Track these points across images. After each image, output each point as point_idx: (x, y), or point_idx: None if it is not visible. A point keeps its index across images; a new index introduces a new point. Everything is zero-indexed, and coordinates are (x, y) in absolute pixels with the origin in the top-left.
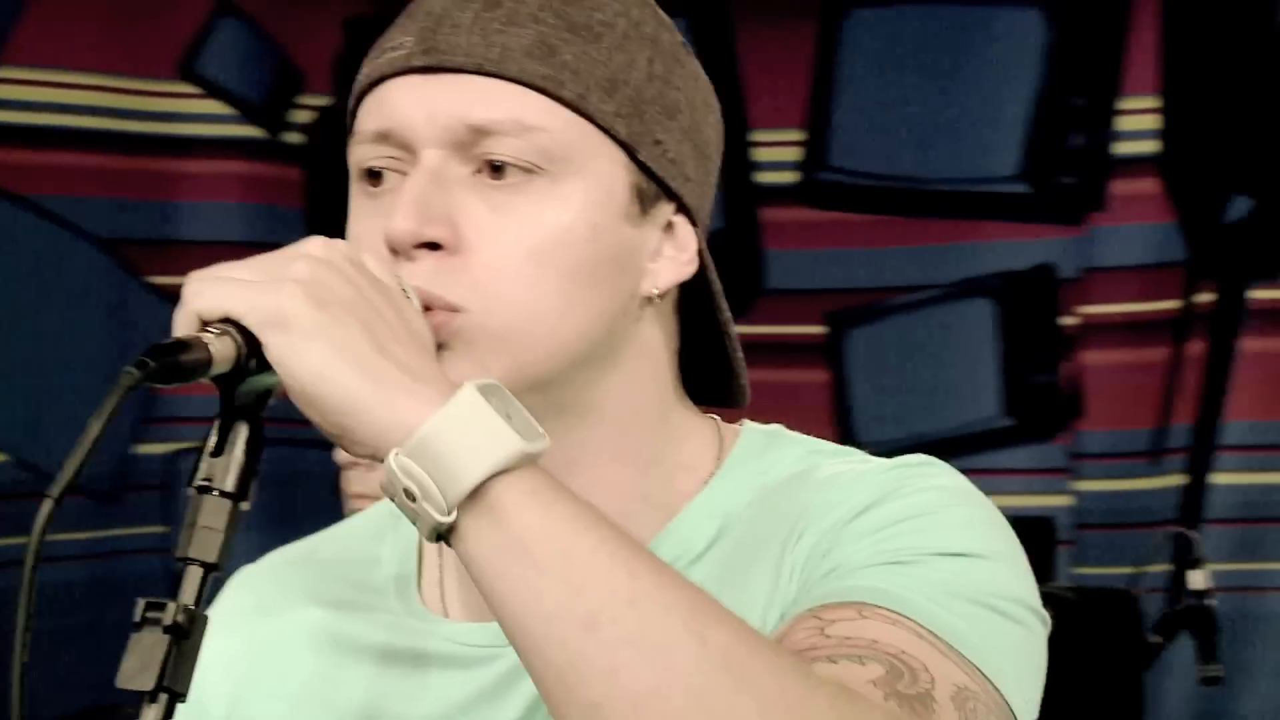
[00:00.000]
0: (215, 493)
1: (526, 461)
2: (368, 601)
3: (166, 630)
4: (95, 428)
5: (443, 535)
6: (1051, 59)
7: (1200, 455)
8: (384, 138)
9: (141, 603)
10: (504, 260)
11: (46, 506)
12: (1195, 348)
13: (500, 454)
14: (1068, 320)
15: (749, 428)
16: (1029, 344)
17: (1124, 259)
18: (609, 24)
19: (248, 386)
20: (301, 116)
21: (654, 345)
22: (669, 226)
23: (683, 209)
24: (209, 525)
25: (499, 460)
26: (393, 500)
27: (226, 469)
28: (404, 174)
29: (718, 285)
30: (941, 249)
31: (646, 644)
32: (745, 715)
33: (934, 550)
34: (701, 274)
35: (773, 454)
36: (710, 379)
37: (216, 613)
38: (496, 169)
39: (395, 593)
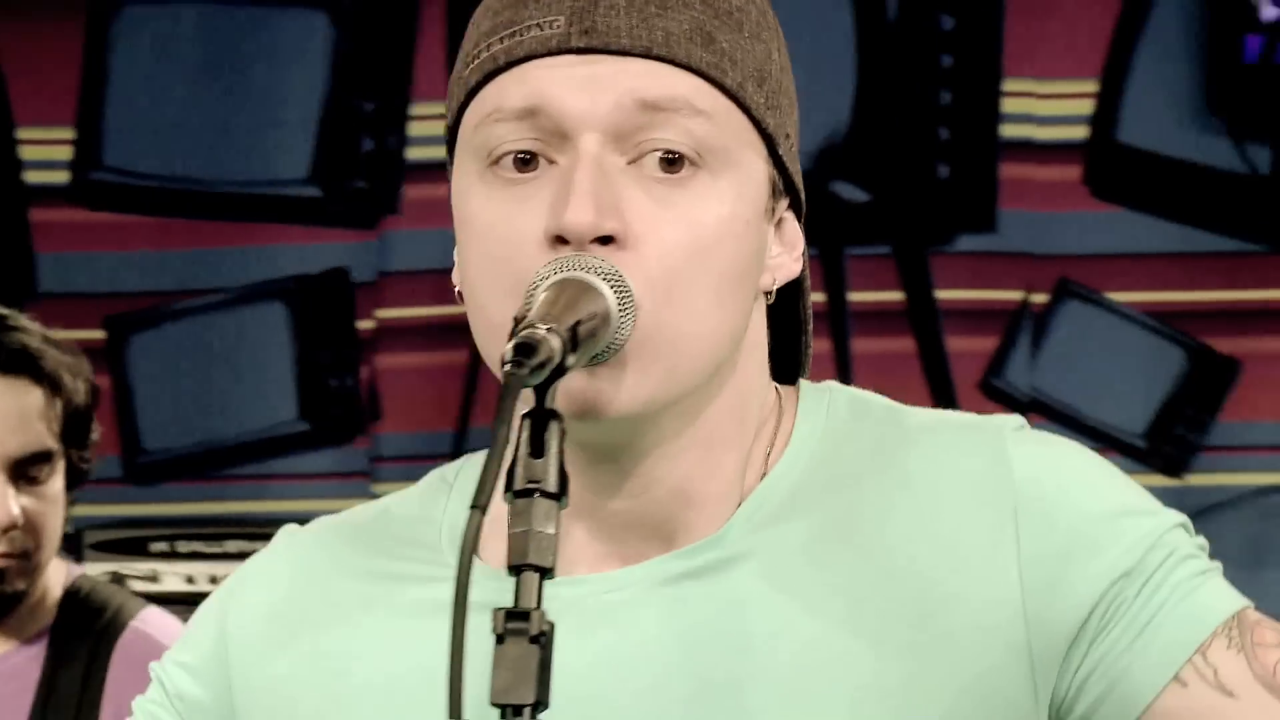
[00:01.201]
0: (539, 494)
1: None
2: (426, 560)
3: (533, 640)
4: (502, 431)
5: None
6: (339, 62)
7: None
8: (530, 116)
9: (501, 613)
10: (670, 257)
11: (475, 518)
12: None
13: None
14: (364, 324)
15: (806, 387)
16: (324, 347)
17: (419, 263)
18: (744, 10)
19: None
20: None
21: (758, 336)
22: (780, 222)
23: (794, 204)
24: (541, 529)
25: None
26: None
27: (546, 469)
28: (549, 161)
29: (808, 279)
30: (231, 252)
31: None
32: None
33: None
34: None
35: (835, 409)
36: (781, 361)
37: (276, 564)
38: (669, 160)
39: (452, 552)
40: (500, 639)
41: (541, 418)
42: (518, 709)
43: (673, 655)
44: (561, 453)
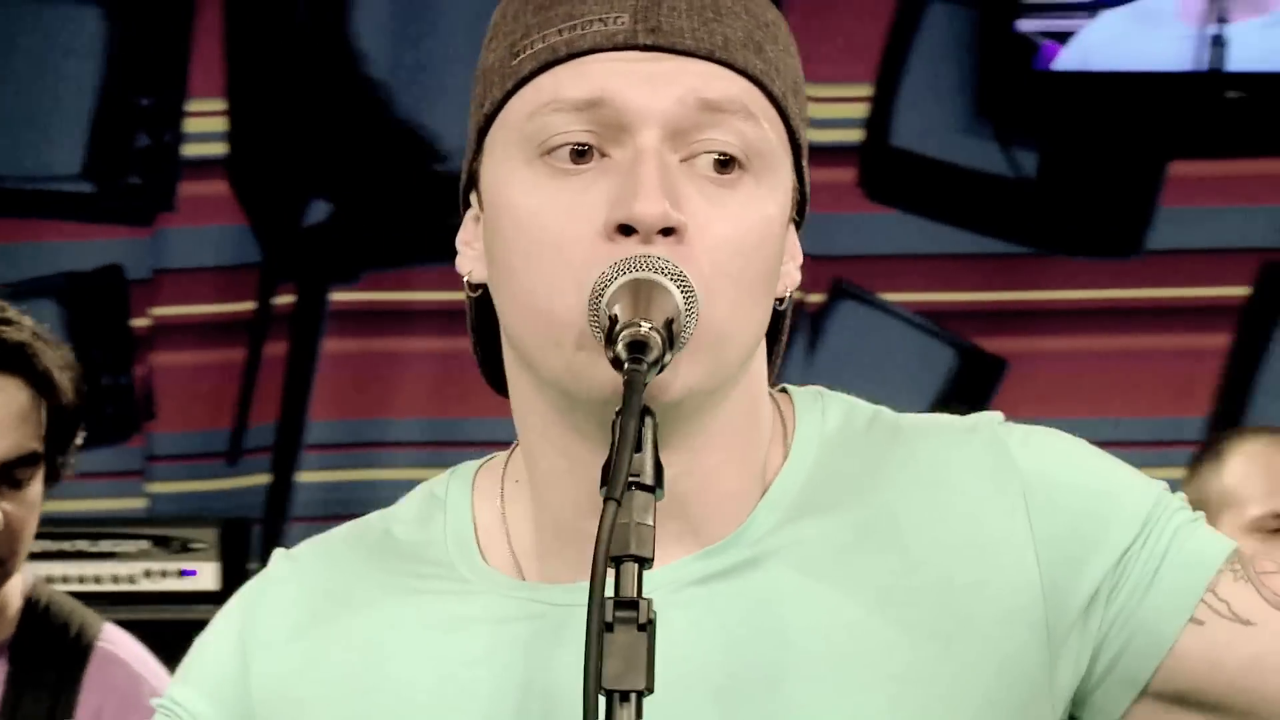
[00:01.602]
0: (637, 488)
1: None
2: (441, 577)
3: (641, 628)
4: (631, 425)
5: None
6: (114, 57)
7: (284, 454)
8: (591, 108)
9: (610, 602)
10: (719, 254)
11: (610, 510)
12: (276, 348)
13: None
14: (138, 322)
15: (795, 391)
16: (98, 346)
17: (195, 260)
18: (777, 24)
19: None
20: None
21: (762, 336)
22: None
23: (798, 215)
24: (642, 520)
25: None
26: None
27: (643, 463)
28: (604, 154)
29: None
30: (2, 248)
31: None
32: None
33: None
34: None
35: (831, 410)
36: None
37: (285, 587)
38: (724, 162)
39: (464, 564)
40: (609, 627)
41: (641, 413)
42: (626, 695)
43: (707, 653)
44: (656, 446)
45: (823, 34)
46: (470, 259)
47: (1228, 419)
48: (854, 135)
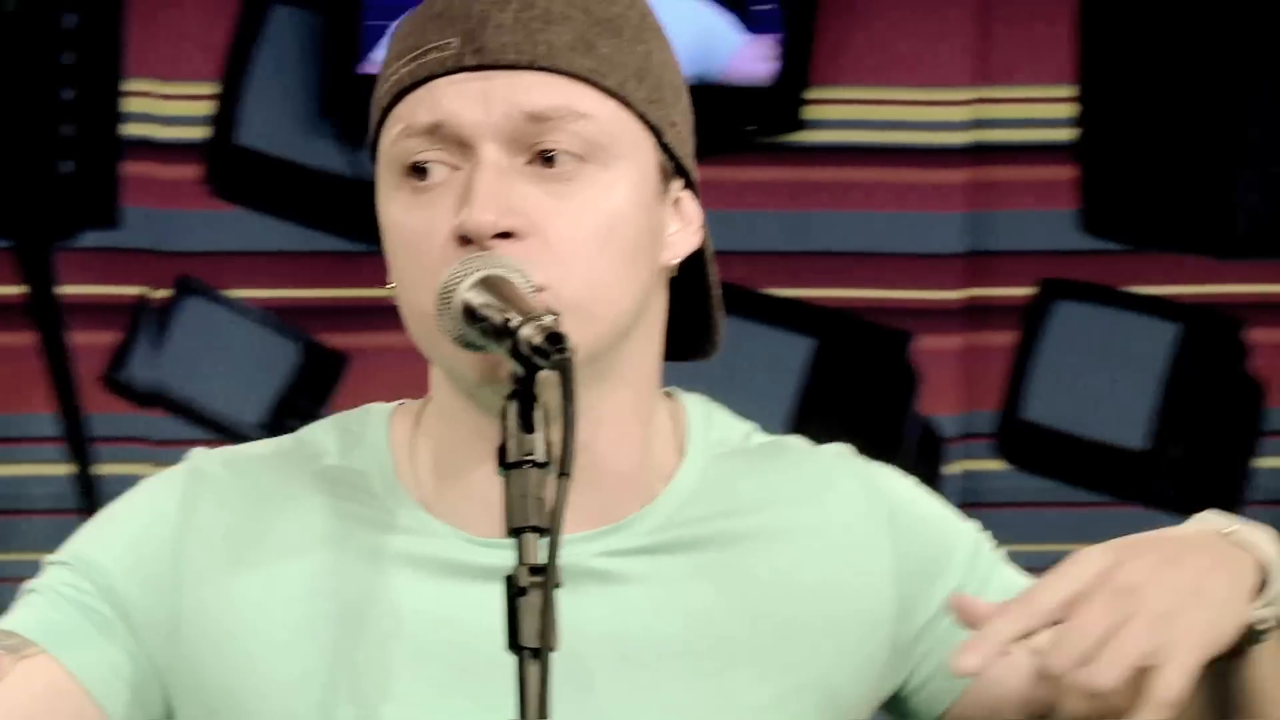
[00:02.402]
0: (532, 465)
1: None
2: (369, 504)
3: (552, 590)
4: (572, 410)
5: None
6: None
7: None
8: (435, 130)
9: (525, 568)
10: (571, 242)
11: (565, 485)
12: None
13: None
14: None
15: (683, 395)
16: None
17: None
18: (624, 16)
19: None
20: None
21: (659, 311)
22: (677, 201)
23: (689, 184)
24: (539, 495)
25: None
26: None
27: (535, 443)
28: (454, 168)
29: (711, 250)
30: None
31: None
32: None
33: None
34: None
35: (715, 421)
36: (688, 335)
37: (221, 485)
38: (549, 159)
39: (392, 499)
40: (524, 591)
41: (530, 399)
42: (536, 652)
43: (600, 626)
44: (548, 428)
45: (167, 33)
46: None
47: None
48: (200, 133)
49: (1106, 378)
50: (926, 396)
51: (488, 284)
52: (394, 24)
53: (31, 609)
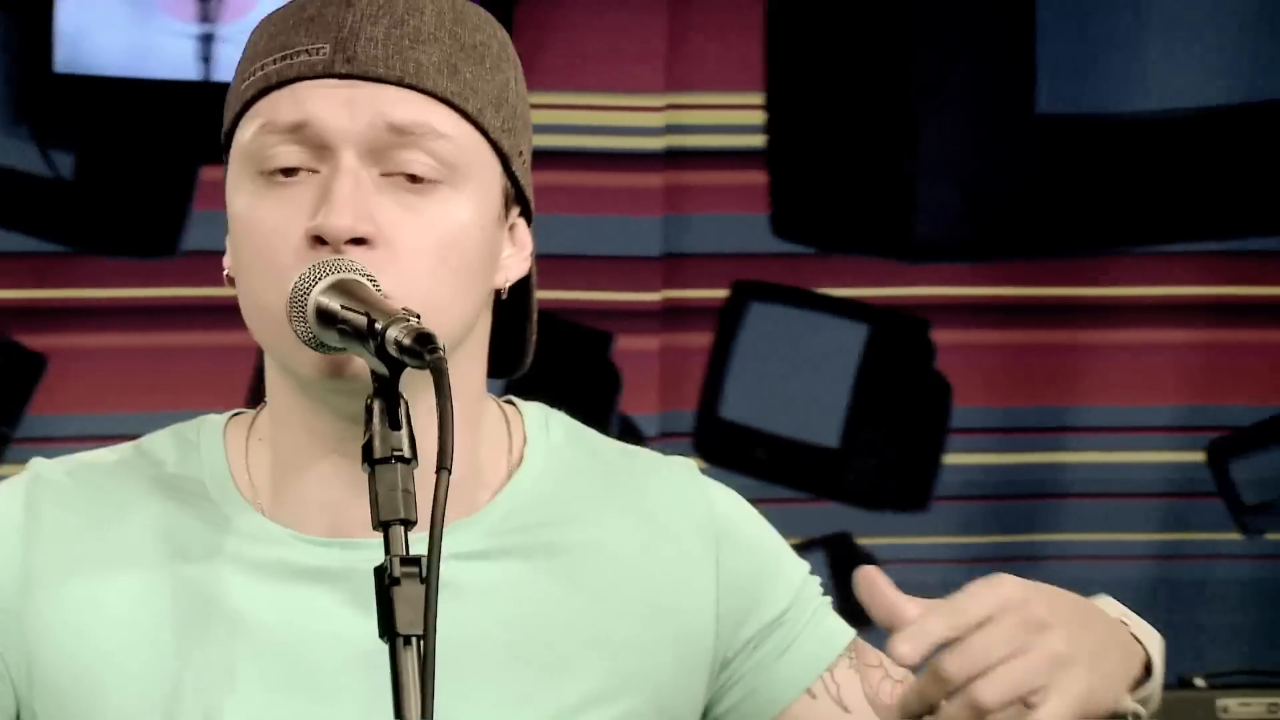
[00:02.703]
0: (400, 460)
1: None
2: (206, 511)
3: (422, 580)
4: (447, 406)
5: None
6: None
7: None
8: (297, 130)
9: (396, 559)
10: (417, 253)
11: (445, 479)
12: None
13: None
14: None
15: (522, 404)
16: None
17: None
18: (487, 45)
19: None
20: None
21: (484, 329)
22: (513, 227)
23: (525, 212)
24: (408, 488)
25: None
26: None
27: (402, 440)
28: (310, 170)
29: (535, 277)
30: None
31: None
32: None
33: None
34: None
35: (554, 428)
36: (504, 353)
37: (45, 488)
38: (412, 176)
39: (228, 505)
40: (397, 581)
41: (396, 398)
42: (409, 639)
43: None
44: (410, 423)
45: None
46: (228, 259)
47: None
48: None
49: (800, 377)
50: (627, 396)
51: (340, 288)
52: (256, 23)
53: None
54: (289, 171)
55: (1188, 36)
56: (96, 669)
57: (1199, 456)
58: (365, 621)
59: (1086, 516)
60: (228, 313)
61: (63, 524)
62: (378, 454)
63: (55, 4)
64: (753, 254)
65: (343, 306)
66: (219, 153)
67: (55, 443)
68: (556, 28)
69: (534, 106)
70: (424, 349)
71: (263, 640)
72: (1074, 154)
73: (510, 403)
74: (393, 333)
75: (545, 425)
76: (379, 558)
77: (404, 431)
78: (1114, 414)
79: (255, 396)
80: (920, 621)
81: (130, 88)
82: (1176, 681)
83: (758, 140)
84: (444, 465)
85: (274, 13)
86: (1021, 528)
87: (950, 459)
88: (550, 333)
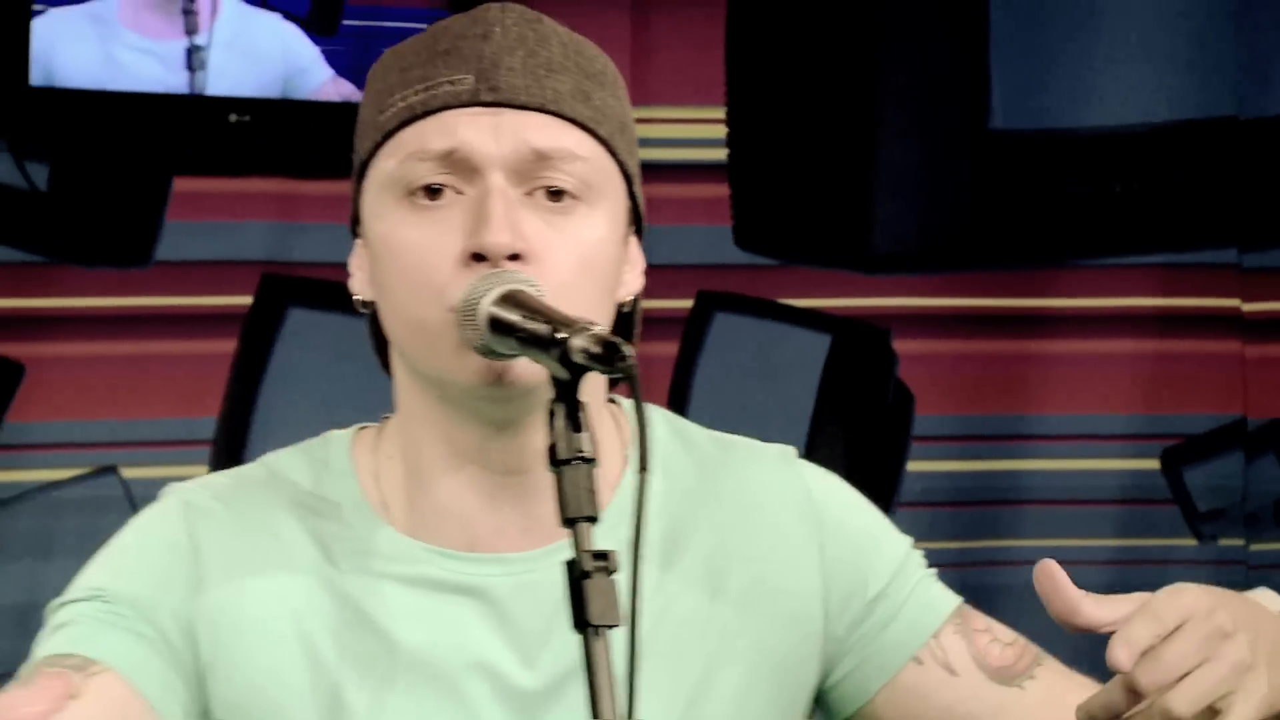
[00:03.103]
0: (583, 460)
1: None
2: (345, 531)
3: (610, 574)
4: (643, 410)
5: None
6: None
7: None
8: (448, 156)
9: (588, 554)
10: (562, 270)
11: (646, 479)
12: None
13: None
14: None
15: (625, 401)
16: None
17: None
18: (604, 72)
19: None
20: None
21: None
22: (628, 245)
23: (638, 231)
24: (590, 488)
25: None
26: None
27: (584, 441)
28: (460, 192)
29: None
30: None
31: None
32: None
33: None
34: None
35: (657, 424)
36: None
37: (218, 517)
38: (555, 194)
39: (364, 525)
40: (588, 574)
41: (576, 402)
42: (598, 629)
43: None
44: (591, 427)
45: None
46: (360, 281)
47: (237, 418)
48: None
49: (764, 386)
50: None
51: (511, 298)
52: (384, 56)
53: (78, 635)
54: (433, 193)
55: (1139, 55)
56: (266, 686)
57: (1153, 464)
58: (501, 639)
59: (1045, 522)
60: (200, 321)
61: (222, 548)
62: (561, 455)
63: (31, 16)
64: (716, 265)
65: (523, 316)
66: (193, 165)
67: (33, 449)
68: None
69: None
70: (614, 356)
71: (411, 657)
72: (1027, 168)
73: (613, 401)
74: (579, 341)
75: (649, 421)
76: (513, 571)
77: (585, 434)
78: (1071, 422)
79: (230, 404)
80: (1125, 630)
81: (105, 101)
82: None
83: (720, 154)
84: (644, 465)
85: (401, 46)
86: (982, 533)
87: (912, 466)
88: None
